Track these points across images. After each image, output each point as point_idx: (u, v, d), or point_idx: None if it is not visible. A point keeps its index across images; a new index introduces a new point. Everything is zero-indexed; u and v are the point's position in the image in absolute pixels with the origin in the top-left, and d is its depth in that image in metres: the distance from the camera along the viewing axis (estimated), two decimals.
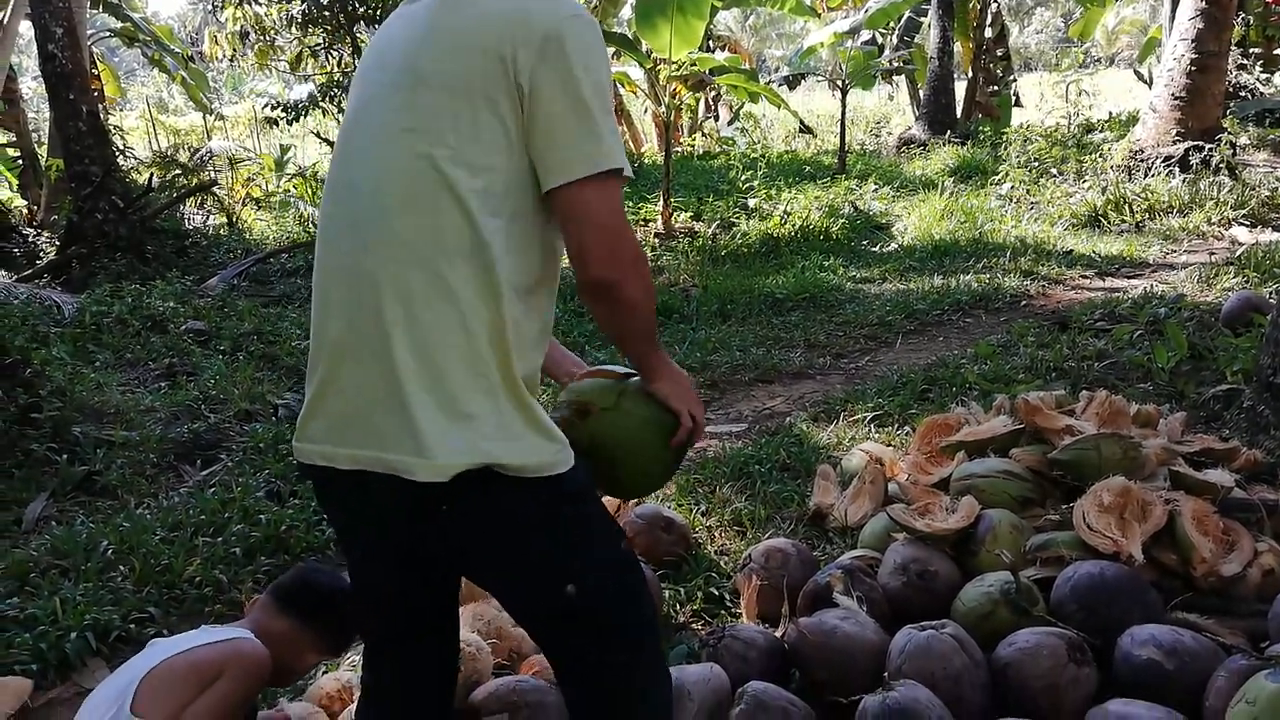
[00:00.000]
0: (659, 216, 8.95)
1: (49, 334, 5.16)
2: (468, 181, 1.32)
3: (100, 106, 8.88)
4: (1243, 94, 13.09)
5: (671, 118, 9.58)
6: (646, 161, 13.63)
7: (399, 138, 1.36)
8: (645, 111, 15.37)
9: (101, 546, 3.07)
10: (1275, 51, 14.49)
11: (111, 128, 8.74)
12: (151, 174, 9.07)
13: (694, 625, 2.58)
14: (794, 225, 8.37)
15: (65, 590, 2.81)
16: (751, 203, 9.07)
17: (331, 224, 1.45)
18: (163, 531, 3.18)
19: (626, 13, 14.13)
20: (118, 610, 2.73)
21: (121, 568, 2.98)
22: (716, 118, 18.02)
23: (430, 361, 1.32)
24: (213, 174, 11.35)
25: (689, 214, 9.31)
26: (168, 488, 3.71)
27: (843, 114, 12.75)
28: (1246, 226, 7.78)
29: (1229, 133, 9.21)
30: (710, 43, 15.34)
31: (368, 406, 1.36)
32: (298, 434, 1.48)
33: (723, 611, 2.64)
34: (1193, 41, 8.91)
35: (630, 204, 9.59)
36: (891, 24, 15.40)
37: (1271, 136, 11.69)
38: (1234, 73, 12.31)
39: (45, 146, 11.07)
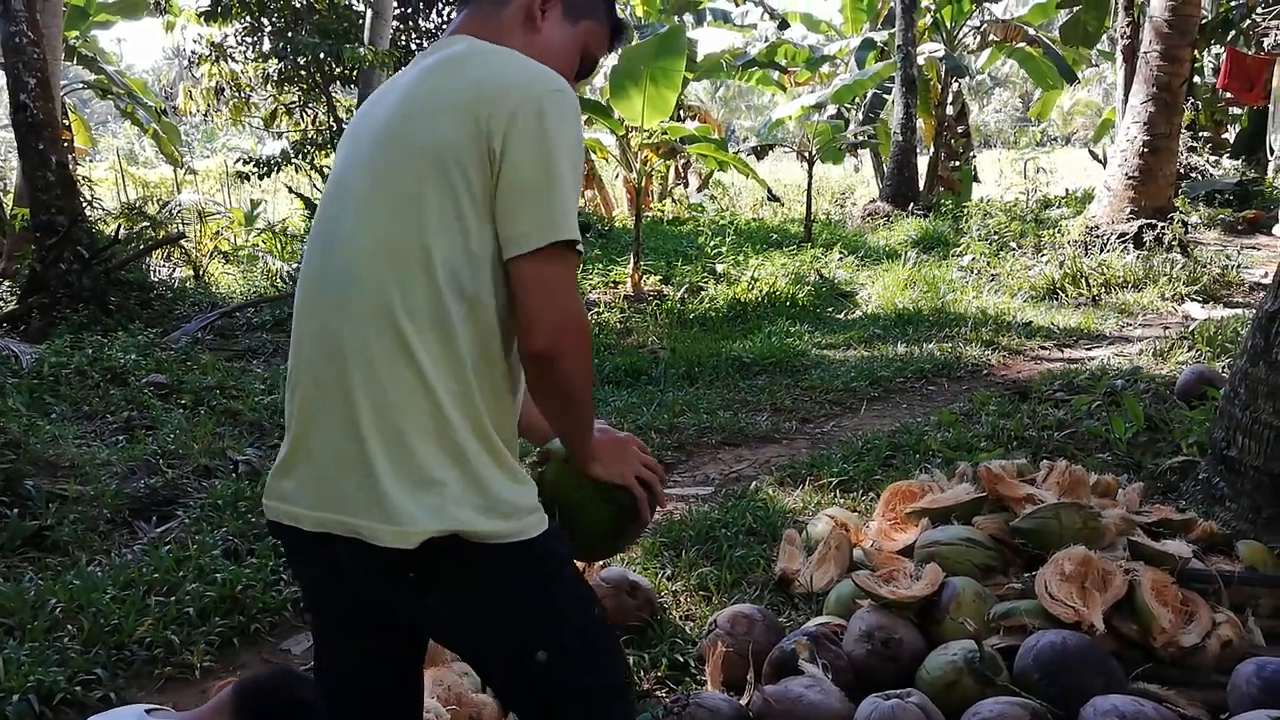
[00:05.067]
0: (629, 279, 9.04)
1: (4, 384, 5.06)
2: (441, 250, 1.32)
3: (70, 157, 8.85)
4: (1193, 175, 13.60)
5: (642, 183, 9.74)
6: (617, 225, 13.80)
7: (379, 204, 1.36)
8: (616, 177, 15.61)
9: (49, 605, 2.97)
10: (1223, 135, 15.11)
11: (80, 178, 8.69)
12: (119, 225, 9.01)
13: (658, 692, 2.55)
14: (761, 291, 8.48)
15: (9, 650, 2.71)
16: (719, 268, 9.19)
17: (306, 284, 1.46)
18: (114, 590, 3.09)
19: (600, 80, 14.43)
20: (63, 672, 2.63)
21: (69, 627, 2.88)
22: (686, 185, 18.34)
23: (392, 425, 1.32)
24: (181, 227, 11.29)
25: (658, 278, 9.40)
26: (121, 545, 3.61)
27: (809, 184, 13.04)
28: (1199, 302, 8.01)
29: (1180, 212, 9.54)
30: (681, 112, 15.70)
31: (334, 470, 1.36)
32: (267, 491, 1.47)
33: (687, 678, 2.60)
34: (1145, 124, 9.28)
35: (600, 266, 9.68)
36: (857, 99, 15.88)
37: (1221, 216, 12.13)
38: (1185, 155, 12.79)
39: (11, 195, 10.97)
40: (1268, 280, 3.56)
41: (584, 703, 1.43)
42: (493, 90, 1.33)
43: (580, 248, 1.36)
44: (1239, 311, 7.31)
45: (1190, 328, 6.73)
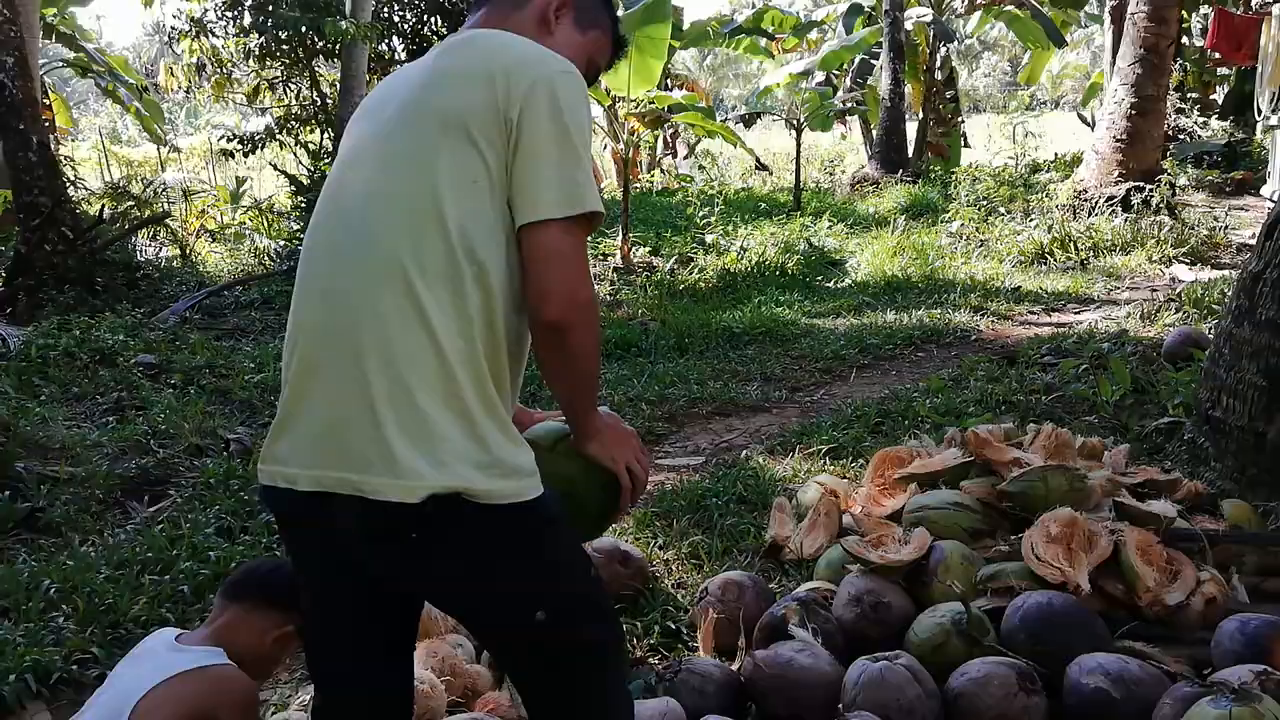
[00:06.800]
0: (618, 251, 9.02)
1: None
2: (454, 211, 1.35)
3: (51, 137, 8.75)
4: (1181, 137, 13.57)
5: (630, 154, 9.69)
6: (605, 197, 13.73)
7: (396, 165, 1.40)
8: (604, 148, 15.51)
9: (44, 586, 2.98)
10: (1211, 96, 15.08)
11: (63, 158, 8.59)
12: (103, 205, 8.94)
13: (650, 659, 2.58)
14: (750, 261, 8.47)
15: (5, 631, 2.73)
16: (709, 238, 9.17)
17: (315, 246, 1.48)
18: (108, 570, 3.10)
19: None
20: (59, 651, 2.65)
21: (64, 607, 2.89)
22: (674, 155, 18.25)
23: (401, 381, 1.33)
24: (166, 206, 11.20)
25: (647, 249, 9.38)
26: (114, 525, 3.62)
27: (798, 152, 12.99)
28: (1186, 264, 8.03)
29: (1168, 174, 9.54)
30: (668, 81, 15.58)
31: (336, 426, 1.37)
32: (261, 456, 1.48)
33: (680, 645, 2.63)
34: (1133, 86, 9.25)
35: (590, 238, 9.62)
36: (845, 66, 15.78)
37: (1209, 178, 12.13)
38: (1173, 116, 12.76)
39: None
40: (1254, 241, 3.58)
41: (582, 661, 1.46)
42: (510, 63, 1.39)
43: (600, 210, 1.41)
44: (1226, 273, 7.33)
45: (1177, 290, 6.75)
